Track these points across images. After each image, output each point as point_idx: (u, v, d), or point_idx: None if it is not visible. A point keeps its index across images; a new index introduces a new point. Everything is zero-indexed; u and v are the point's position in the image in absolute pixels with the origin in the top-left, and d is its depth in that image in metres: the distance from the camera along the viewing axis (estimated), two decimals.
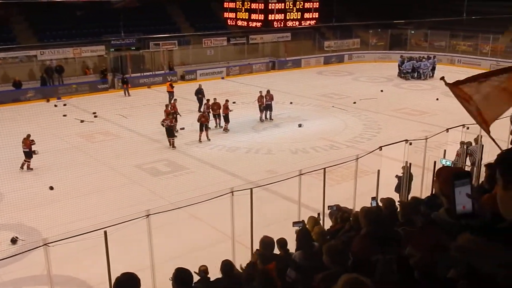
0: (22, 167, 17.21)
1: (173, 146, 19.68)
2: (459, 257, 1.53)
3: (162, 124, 19.97)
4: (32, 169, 17.20)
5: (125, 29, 33.78)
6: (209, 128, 21.15)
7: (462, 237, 1.51)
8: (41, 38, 32.49)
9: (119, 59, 33.91)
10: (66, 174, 16.42)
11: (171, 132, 19.97)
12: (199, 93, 25.15)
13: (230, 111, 22.19)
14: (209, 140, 20.60)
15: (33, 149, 17.34)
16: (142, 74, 33.58)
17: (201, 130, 20.59)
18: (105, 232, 8.29)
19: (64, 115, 24.03)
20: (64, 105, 27.34)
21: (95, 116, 24.19)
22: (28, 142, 17.23)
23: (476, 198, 1.93)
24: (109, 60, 33.63)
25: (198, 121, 20.76)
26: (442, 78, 5.75)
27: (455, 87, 5.59)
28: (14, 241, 12.19)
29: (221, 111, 22.24)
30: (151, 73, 34.26)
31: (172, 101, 23.14)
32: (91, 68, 33.02)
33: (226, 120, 22.09)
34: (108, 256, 8.44)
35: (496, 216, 1.83)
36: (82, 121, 23.02)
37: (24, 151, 17.24)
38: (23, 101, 28.26)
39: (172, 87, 27.75)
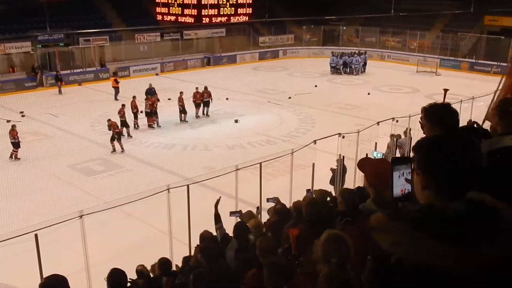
0: (11, 157, 17.76)
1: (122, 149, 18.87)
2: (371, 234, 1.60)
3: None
4: (19, 158, 17.73)
5: (52, 24, 32.36)
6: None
7: (374, 216, 1.58)
8: None
9: (47, 55, 32.55)
10: None
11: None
12: (150, 93, 23.74)
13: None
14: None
15: None
16: (72, 71, 32.39)
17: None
18: (36, 235, 7.99)
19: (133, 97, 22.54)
20: None
21: (23, 116, 23.09)
22: (14, 133, 17.76)
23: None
24: (36, 56, 32.22)
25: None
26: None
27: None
28: None
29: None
30: (81, 70, 33.13)
31: (132, 100, 21.92)
32: (16, 66, 31.51)
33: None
34: (40, 260, 8.14)
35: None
36: (8, 121, 21.91)
37: (12, 142, 17.78)
38: None
39: (117, 82, 27.17)
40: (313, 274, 3.18)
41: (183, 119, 23.03)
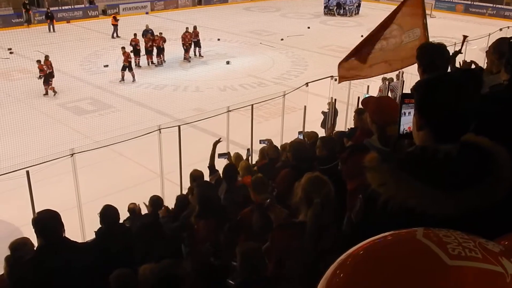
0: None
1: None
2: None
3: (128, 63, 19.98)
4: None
5: None
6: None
7: (368, 155, 1.59)
8: None
9: None
10: None
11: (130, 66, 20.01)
12: (147, 33, 22.92)
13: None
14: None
15: None
16: (60, 8, 31.52)
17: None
18: (27, 172, 8.04)
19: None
20: None
21: (11, 53, 22.66)
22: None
23: None
24: None
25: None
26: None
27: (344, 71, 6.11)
28: None
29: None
30: (70, 7, 32.25)
31: (134, 37, 21.89)
32: (1, 1, 30.56)
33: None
34: (32, 196, 8.22)
35: None
36: None
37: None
38: None
39: (116, 20, 26.67)
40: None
41: (196, 54, 23.41)
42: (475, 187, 1.42)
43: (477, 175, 1.45)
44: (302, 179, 3.11)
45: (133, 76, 19.79)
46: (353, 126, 6.90)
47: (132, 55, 20.64)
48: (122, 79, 19.66)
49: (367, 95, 13.10)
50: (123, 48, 19.95)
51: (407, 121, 1.97)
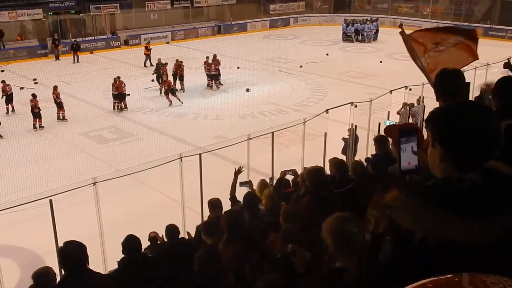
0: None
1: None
2: (386, 213, 1.58)
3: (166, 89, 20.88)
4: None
5: None
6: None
7: (389, 194, 1.55)
8: None
9: (58, 23, 32.44)
10: (8, 143, 15.79)
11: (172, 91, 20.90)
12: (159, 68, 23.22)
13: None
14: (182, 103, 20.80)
15: None
16: (83, 39, 32.31)
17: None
18: (51, 201, 8.09)
19: (2, 81, 22.85)
20: (2, 71, 26.10)
21: (36, 83, 23.18)
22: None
23: (421, 154, 1.95)
24: (48, 24, 32.11)
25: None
26: (401, 26, 6.01)
27: (411, 37, 5.93)
28: None
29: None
30: (93, 38, 33.02)
31: (177, 62, 22.92)
32: (25, 34, 31.44)
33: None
34: (54, 225, 8.26)
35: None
36: (21, 88, 22.01)
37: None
38: None
39: (149, 49, 27.34)
40: None
41: (217, 85, 23.48)
42: (508, 212, 1.39)
43: (507, 198, 1.42)
44: (329, 223, 2.98)
45: (179, 99, 20.69)
46: (374, 153, 6.86)
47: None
48: (170, 103, 20.51)
49: (388, 122, 13.04)
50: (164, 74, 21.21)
51: (407, 158, 1.94)
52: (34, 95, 18.22)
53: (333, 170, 5.66)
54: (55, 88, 19.07)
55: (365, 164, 6.95)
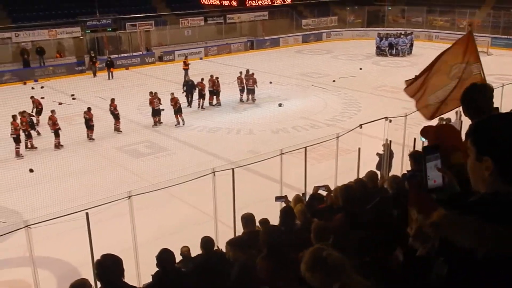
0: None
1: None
2: (432, 233, 1.52)
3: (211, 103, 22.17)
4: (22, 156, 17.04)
5: (100, 10, 33.13)
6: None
7: (437, 213, 1.50)
8: (15, 20, 31.72)
9: (95, 40, 33.32)
10: (46, 157, 16.21)
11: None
12: (187, 86, 23.42)
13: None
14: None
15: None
16: (119, 55, 33.07)
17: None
18: (87, 214, 8.24)
19: (42, 98, 23.56)
20: (42, 87, 26.95)
21: (74, 99, 23.83)
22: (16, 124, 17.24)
23: (446, 171, 1.90)
24: (85, 41, 33.02)
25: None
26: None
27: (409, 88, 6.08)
28: None
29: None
30: (128, 54, 33.77)
31: (212, 77, 23.16)
32: (64, 51, 32.40)
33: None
34: (90, 237, 8.39)
35: (464, 188, 1.83)
36: (60, 104, 22.64)
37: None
38: None
39: (187, 64, 27.96)
40: None
41: (249, 100, 23.63)
42: None
43: None
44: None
45: (183, 120, 20.32)
46: (409, 169, 6.75)
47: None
48: (177, 122, 20.22)
49: (423, 138, 12.79)
50: (172, 94, 20.51)
51: (432, 175, 1.89)
52: (89, 108, 18.81)
53: (370, 184, 5.61)
54: (113, 100, 19.60)
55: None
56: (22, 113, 17.79)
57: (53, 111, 18.30)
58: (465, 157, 1.65)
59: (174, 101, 20.20)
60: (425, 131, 3.59)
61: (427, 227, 1.53)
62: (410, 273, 2.26)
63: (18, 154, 16.92)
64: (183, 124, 20.12)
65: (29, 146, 17.58)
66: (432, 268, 1.64)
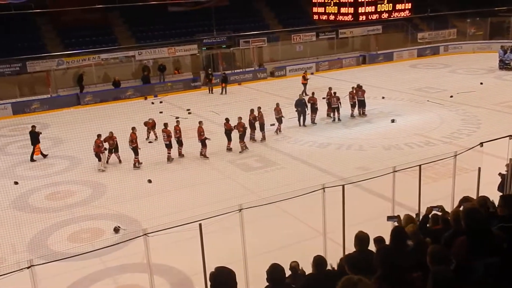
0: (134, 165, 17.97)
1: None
2: None
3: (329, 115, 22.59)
4: (139, 167, 17.93)
5: (217, 27, 34.61)
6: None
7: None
8: (138, 39, 34.12)
9: (210, 57, 34.81)
10: (163, 168, 17.15)
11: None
12: (299, 105, 22.59)
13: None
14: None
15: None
16: (232, 71, 34.22)
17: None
18: (200, 225, 8.53)
19: (160, 112, 25.03)
20: (160, 102, 28.70)
21: (189, 113, 25.02)
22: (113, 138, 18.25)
23: None
24: (201, 58, 34.61)
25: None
26: None
27: None
28: (116, 230, 12.92)
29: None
30: (241, 70, 34.81)
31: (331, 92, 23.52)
32: (181, 68, 34.19)
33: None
34: (203, 248, 8.66)
35: None
36: (177, 118, 23.82)
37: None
38: (123, 99, 29.97)
39: (306, 79, 28.47)
40: None
41: (360, 113, 23.42)
42: None
43: None
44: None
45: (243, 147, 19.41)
46: None
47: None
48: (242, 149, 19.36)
49: None
50: (239, 118, 19.53)
51: None
52: (227, 119, 19.45)
53: (501, 204, 5.21)
54: (227, 120, 19.38)
55: None
56: (178, 121, 19.37)
57: (166, 124, 18.91)
58: None
59: (241, 126, 19.32)
60: None
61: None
62: None
63: (169, 159, 18.30)
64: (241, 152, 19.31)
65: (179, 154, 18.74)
66: None
